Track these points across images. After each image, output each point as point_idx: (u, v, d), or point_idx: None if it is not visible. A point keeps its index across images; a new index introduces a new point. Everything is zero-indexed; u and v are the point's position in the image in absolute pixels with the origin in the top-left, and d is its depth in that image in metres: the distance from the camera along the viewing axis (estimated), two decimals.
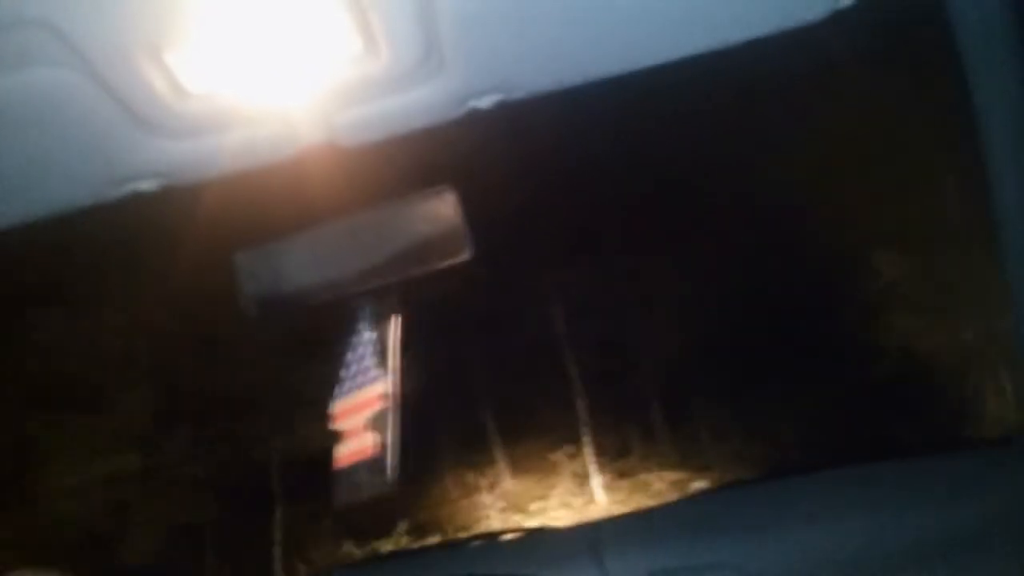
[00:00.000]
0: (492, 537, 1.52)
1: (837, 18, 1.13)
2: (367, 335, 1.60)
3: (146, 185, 1.22)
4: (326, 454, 1.52)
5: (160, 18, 0.92)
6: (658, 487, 8.68)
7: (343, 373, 1.59)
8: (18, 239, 1.35)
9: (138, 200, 1.25)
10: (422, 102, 1.14)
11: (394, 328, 1.59)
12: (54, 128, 1.05)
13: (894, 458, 1.56)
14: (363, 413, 1.54)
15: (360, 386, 1.56)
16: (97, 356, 8.46)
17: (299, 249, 1.63)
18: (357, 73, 1.06)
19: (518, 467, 9.56)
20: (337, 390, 1.57)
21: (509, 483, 9.80)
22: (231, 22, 0.96)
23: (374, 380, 1.56)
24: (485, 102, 1.19)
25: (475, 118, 1.21)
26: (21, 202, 1.23)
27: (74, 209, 1.27)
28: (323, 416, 1.56)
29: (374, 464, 1.50)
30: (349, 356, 1.59)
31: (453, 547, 1.52)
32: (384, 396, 1.53)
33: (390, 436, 1.51)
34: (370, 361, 1.58)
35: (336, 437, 1.54)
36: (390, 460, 1.49)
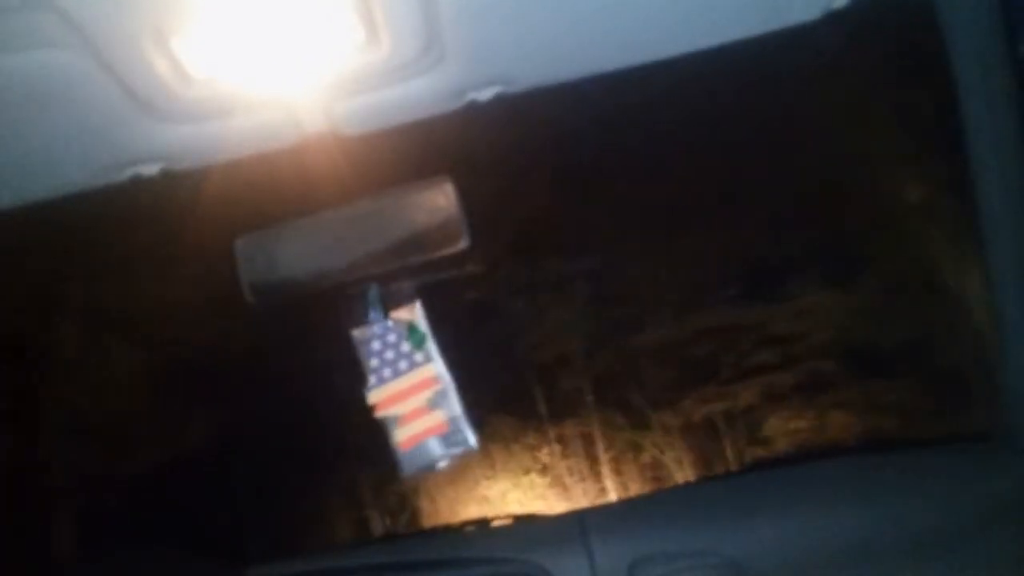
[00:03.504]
0: (483, 523, 1.54)
1: (831, 18, 1.14)
2: (387, 323, 1.65)
3: (148, 169, 1.23)
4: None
5: (165, 3, 0.93)
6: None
7: (373, 363, 1.64)
8: (19, 221, 1.36)
9: (139, 184, 1.26)
10: (422, 93, 1.15)
11: (420, 312, 1.64)
12: (57, 110, 1.06)
13: (888, 451, 1.57)
14: (419, 395, 1.62)
15: (402, 372, 1.63)
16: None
17: (298, 236, 1.64)
18: (359, 63, 1.07)
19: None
20: (372, 380, 1.63)
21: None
22: (236, 9, 0.97)
23: (419, 364, 1.62)
24: (484, 94, 1.20)
25: (474, 110, 1.22)
26: (23, 184, 1.24)
27: (76, 191, 1.28)
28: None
29: (450, 436, 1.62)
30: (376, 346, 1.64)
31: (444, 532, 1.54)
32: (436, 378, 1.62)
33: (458, 409, 1.62)
34: (407, 347, 1.63)
35: (389, 422, 1.61)
36: (468, 428, 1.62)
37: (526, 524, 1.51)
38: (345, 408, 1.72)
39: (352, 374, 1.72)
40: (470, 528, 1.56)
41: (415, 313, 1.65)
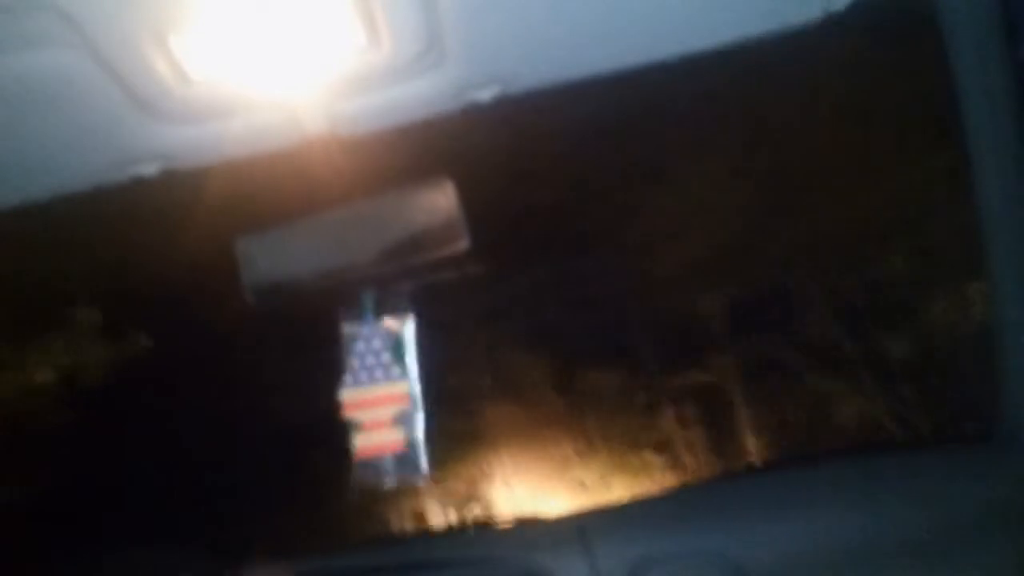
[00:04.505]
0: (485, 525, 1.54)
1: (831, 20, 1.14)
2: (376, 327, 1.64)
3: (148, 169, 1.23)
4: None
5: (166, 4, 0.93)
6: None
7: (353, 363, 1.63)
8: (19, 220, 1.36)
9: (139, 184, 1.26)
10: (422, 93, 1.15)
11: (410, 327, 1.63)
12: (57, 110, 1.06)
13: (887, 451, 1.57)
14: (385, 408, 1.61)
15: (376, 380, 1.62)
16: None
17: (298, 236, 1.64)
18: (359, 64, 1.07)
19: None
20: (348, 379, 1.62)
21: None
22: (236, 10, 0.97)
23: (394, 378, 1.61)
24: (484, 94, 1.20)
25: (475, 110, 1.23)
26: (23, 183, 1.24)
27: (75, 191, 1.28)
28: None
29: (404, 458, 1.59)
30: (360, 346, 1.63)
31: (446, 534, 1.54)
32: (407, 396, 1.60)
33: (420, 434, 1.59)
34: (386, 357, 1.62)
35: (353, 426, 1.60)
36: (422, 457, 1.59)
37: (528, 526, 1.51)
38: (333, 413, 1.72)
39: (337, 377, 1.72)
40: (471, 530, 1.56)
41: (405, 327, 1.64)
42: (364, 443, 1.60)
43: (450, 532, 1.52)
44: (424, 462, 1.60)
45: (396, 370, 1.61)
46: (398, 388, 1.61)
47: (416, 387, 1.62)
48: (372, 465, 1.61)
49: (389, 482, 1.60)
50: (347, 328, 1.65)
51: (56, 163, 1.20)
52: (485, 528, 1.52)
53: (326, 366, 1.76)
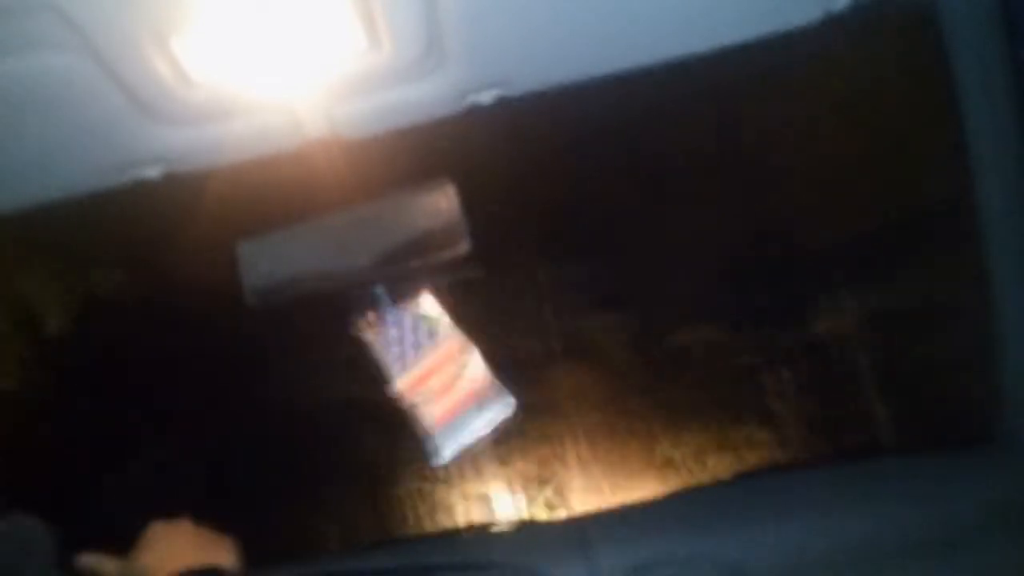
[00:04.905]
0: (484, 528, 1.54)
1: (831, 21, 1.14)
2: (399, 313, 1.65)
3: (149, 172, 1.23)
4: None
5: (167, 5, 0.93)
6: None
7: (392, 352, 1.65)
8: (19, 223, 1.36)
9: (141, 187, 1.26)
10: (423, 96, 1.15)
11: (429, 300, 1.67)
12: (58, 113, 1.06)
13: (887, 453, 1.56)
14: (444, 370, 1.63)
15: (423, 352, 1.64)
16: None
17: (299, 239, 1.64)
18: (360, 66, 1.08)
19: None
20: (396, 367, 1.64)
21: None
22: (237, 12, 0.97)
23: (439, 340, 1.62)
24: (485, 97, 1.20)
25: (476, 113, 1.23)
26: (23, 186, 1.24)
27: (76, 194, 1.28)
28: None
29: (487, 398, 1.63)
30: (392, 333, 1.64)
31: (446, 536, 1.54)
32: (460, 349, 1.63)
33: (489, 372, 1.64)
34: (423, 330, 1.64)
35: (419, 405, 1.63)
36: (503, 392, 1.64)
37: (528, 529, 1.51)
38: (345, 412, 1.72)
39: (352, 377, 1.72)
40: (470, 533, 1.56)
41: (425, 302, 1.66)
42: (440, 410, 1.63)
43: (447, 535, 1.52)
44: (508, 396, 1.63)
45: (438, 333, 1.65)
46: (450, 344, 1.64)
47: (462, 337, 1.65)
48: (457, 426, 1.62)
49: (482, 429, 1.62)
50: (366, 332, 1.66)
51: (57, 166, 1.20)
52: (484, 530, 1.51)
53: (326, 369, 1.76)
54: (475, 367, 1.63)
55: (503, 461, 1.69)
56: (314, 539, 1.64)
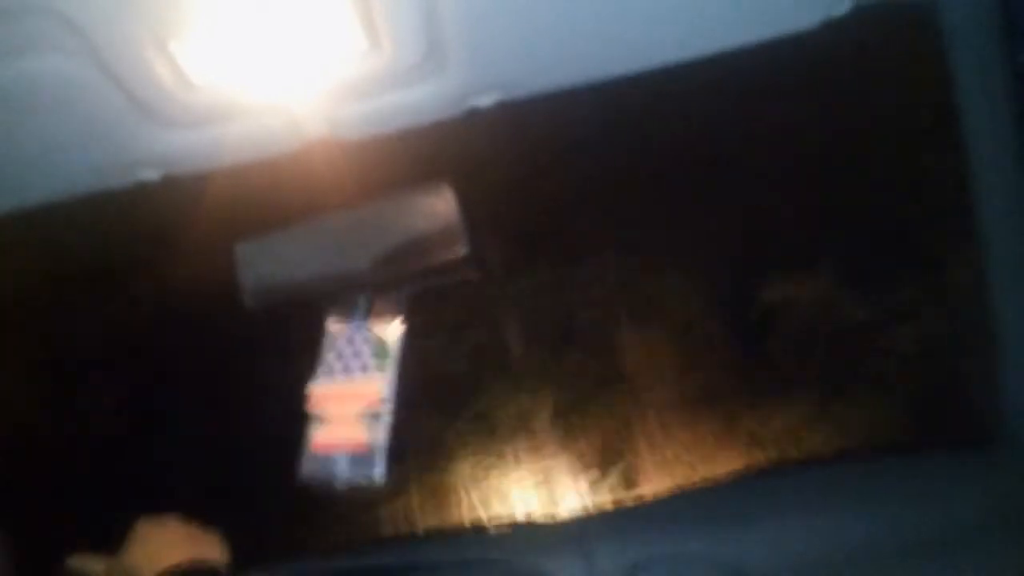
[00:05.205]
0: (482, 528, 1.54)
1: (831, 26, 1.14)
2: (363, 328, 1.63)
3: (149, 174, 1.23)
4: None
5: (167, 8, 0.93)
6: None
7: (330, 357, 1.61)
8: (19, 226, 1.36)
9: (141, 189, 1.26)
10: (423, 99, 1.16)
11: (396, 331, 1.61)
12: (58, 115, 1.06)
13: (887, 453, 1.57)
14: (354, 404, 1.57)
15: (352, 375, 1.59)
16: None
17: (298, 241, 1.64)
18: (360, 69, 1.08)
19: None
20: (322, 370, 1.60)
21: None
22: (237, 15, 0.97)
23: (371, 374, 1.59)
24: (485, 100, 1.21)
25: (475, 116, 1.23)
26: (23, 189, 1.25)
27: (77, 196, 1.28)
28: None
29: (360, 459, 1.55)
30: (341, 343, 1.61)
31: (443, 537, 1.54)
32: (380, 397, 1.57)
33: (383, 439, 1.55)
34: (367, 356, 1.60)
35: (315, 418, 1.58)
36: (380, 463, 1.54)
37: (526, 529, 1.51)
38: None
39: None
40: (468, 533, 1.56)
41: (393, 332, 1.62)
42: (323, 437, 1.56)
43: (444, 535, 1.50)
44: (380, 469, 1.54)
45: (375, 369, 1.58)
46: (373, 386, 1.57)
47: (392, 391, 1.57)
48: (324, 460, 1.57)
49: (339, 482, 1.55)
50: (333, 326, 1.64)
51: (57, 168, 1.20)
52: (482, 530, 1.50)
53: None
54: (376, 428, 1.58)
55: (563, 443, 1.57)
56: (314, 539, 1.64)
